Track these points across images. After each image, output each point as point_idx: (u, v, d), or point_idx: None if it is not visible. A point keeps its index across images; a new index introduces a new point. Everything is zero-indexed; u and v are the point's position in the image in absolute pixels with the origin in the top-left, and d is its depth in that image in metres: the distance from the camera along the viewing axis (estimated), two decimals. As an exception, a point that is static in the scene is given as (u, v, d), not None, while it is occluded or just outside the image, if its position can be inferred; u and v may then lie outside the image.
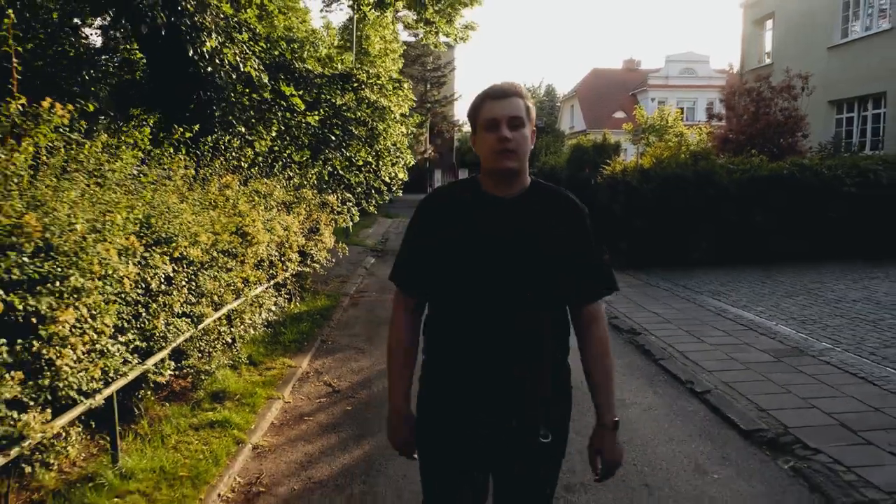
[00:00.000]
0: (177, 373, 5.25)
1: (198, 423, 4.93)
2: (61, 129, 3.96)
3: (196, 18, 8.33)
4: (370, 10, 13.22)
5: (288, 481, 4.31)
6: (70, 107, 3.73)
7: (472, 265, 2.07)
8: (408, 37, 30.49)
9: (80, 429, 3.91)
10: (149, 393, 4.89)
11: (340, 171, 11.16)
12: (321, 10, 33.72)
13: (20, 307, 2.89)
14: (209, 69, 8.81)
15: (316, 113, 10.13)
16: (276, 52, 10.88)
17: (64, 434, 3.60)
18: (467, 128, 62.42)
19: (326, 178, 10.62)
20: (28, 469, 3.41)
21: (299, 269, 8.70)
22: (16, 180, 3.29)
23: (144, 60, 9.76)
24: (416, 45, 38.11)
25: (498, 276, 2.05)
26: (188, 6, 8.23)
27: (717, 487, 4.14)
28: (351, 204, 10.83)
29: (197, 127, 7.21)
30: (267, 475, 4.39)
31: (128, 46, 10.92)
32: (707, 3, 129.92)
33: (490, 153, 2.06)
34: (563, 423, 2.20)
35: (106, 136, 4.58)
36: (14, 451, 3.10)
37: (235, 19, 9.84)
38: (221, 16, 9.15)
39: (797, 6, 22.61)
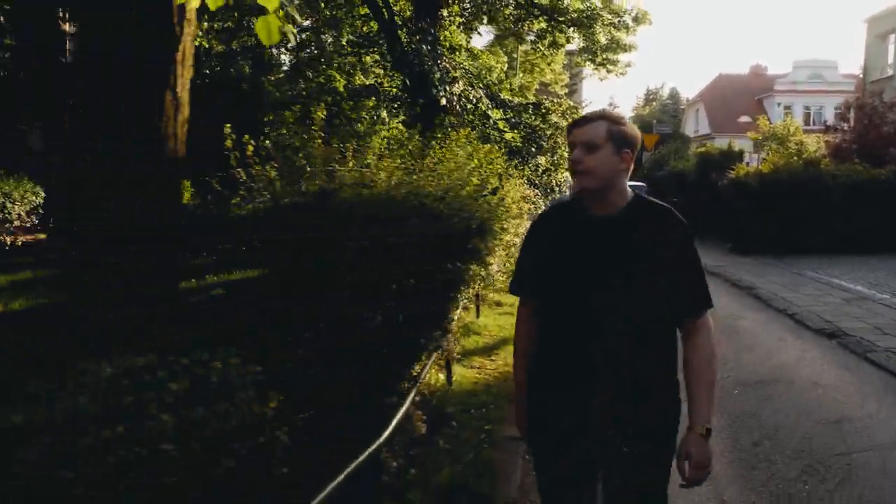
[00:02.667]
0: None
1: (500, 313, 9.08)
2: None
3: (448, 74, 12.57)
4: (546, 48, 17.22)
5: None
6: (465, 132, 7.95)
7: (571, 281, 2.28)
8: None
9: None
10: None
11: (529, 175, 15.18)
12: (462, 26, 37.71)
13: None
14: (453, 105, 13.06)
15: (517, 132, 14.14)
16: (482, 85, 15.04)
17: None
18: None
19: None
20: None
21: (513, 240, 12.85)
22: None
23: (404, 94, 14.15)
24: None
25: (595, 293, 2.23)
26: (446, 65, 12.48)
27: (789, 345, 7.81)
28: (540, 198, 14.85)
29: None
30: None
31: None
32: (833, 11, 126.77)
33: (571, 174, 2.31)
34: (669, 433, 2.32)
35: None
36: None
37: (462, 64, 14.06)
38: (454, 64, 13.38)
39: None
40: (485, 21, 16.39)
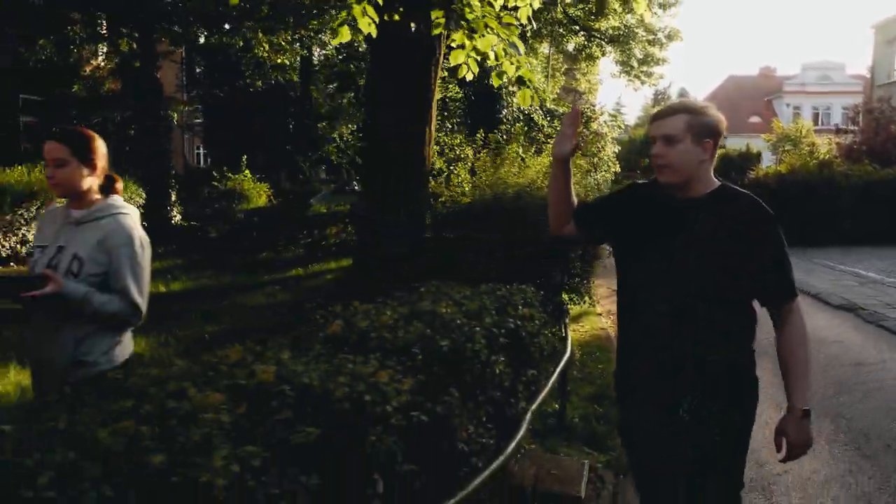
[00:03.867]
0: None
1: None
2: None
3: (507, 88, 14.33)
4: (583, 60, 19.03)
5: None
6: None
7: (644, 258, 2.37)
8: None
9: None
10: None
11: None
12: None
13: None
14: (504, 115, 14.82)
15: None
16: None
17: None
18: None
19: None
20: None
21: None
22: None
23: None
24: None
25: (666, 272, 2.30)
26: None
27: (814, 316, 9.53)
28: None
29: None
30: (607, 321, 10.20)
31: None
32: (841, 15, 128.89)
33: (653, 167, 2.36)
34: (743, 411, 2.38)
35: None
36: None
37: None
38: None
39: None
40: (552, 46, 18.21)
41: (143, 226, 2.87)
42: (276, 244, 14.28)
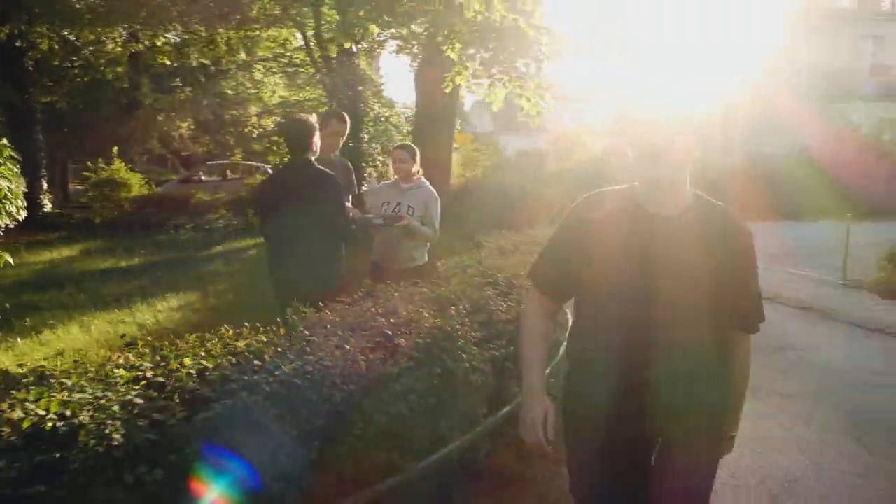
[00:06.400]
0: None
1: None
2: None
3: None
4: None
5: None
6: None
7: (618, 283, 1.99)
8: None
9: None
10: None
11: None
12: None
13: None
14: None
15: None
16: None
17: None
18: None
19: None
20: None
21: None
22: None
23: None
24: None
25: (643, 298, 1.95)
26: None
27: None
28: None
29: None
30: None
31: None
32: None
33: (640, 159, 1.95)
34: (714, 437, 2.14)
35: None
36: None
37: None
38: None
39: None
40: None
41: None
42: (165, 228, 14.78)
